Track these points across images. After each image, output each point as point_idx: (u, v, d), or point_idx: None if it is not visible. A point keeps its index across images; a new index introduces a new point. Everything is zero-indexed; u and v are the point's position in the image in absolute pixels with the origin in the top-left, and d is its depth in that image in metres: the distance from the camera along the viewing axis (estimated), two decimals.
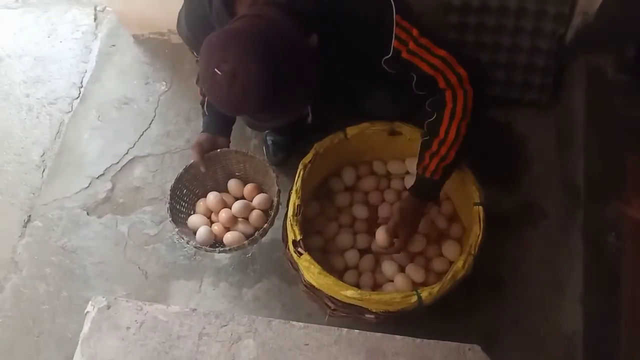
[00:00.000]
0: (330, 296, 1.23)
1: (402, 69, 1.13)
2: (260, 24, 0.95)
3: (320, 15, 1.04)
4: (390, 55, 1.10)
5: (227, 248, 1.35)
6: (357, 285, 1.36)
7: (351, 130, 1.40)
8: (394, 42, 1.08)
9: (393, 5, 1.06)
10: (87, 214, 1.70)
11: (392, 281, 1.36)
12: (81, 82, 1.98)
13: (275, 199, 1.36)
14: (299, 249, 1.23)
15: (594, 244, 1.32)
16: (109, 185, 1.74)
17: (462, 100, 1.15)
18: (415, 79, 1.15)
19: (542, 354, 1.35)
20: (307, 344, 1.03)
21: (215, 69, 0.92)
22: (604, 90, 1.50)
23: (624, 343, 1.21)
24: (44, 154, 1.84)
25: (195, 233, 1.39)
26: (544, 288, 1.44)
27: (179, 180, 1.41)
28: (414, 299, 1.16)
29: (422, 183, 1.24)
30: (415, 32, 1.08)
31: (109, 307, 1.07)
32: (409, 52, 1.10)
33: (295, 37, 0.97)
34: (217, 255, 1.59)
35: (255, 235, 1.34)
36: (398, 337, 1.03)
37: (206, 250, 1.36)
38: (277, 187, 1.37)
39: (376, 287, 1.38)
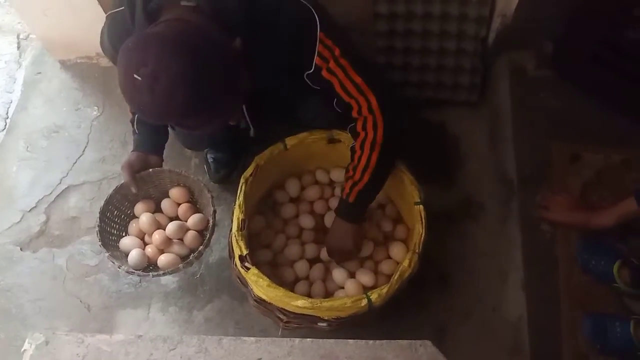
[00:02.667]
0: (282, 308, 1.22)
1: (322, 86, 1.15)
2: (180, 26, 0.92)
3: (249, 24, 1.03)
4: (312, 70, 1.11)
5: (162, 272, 1.30)
6: (309, 295, 1.35)
7: (290, 141, 1.40)
8: (316, 59, 1.10)
9: (317, 22, 1.07)
10: (21, 249, 1.61)
11: (343, 288, 1.36)
12: (7, 113, 1.89)
13: (211, 220, 1.34)
14: (246, 264, 1.21)
15: (530, 233, 1.38)
16: (43, 217, 1.66)
17: (372, 132, 1.18)
18: (335, 100, 1.18)
19: (492, 341, 1.39)
20: (260, 358, 1.01)
21: (135, 75, 0.88)
22: (527, 86, 1.59)
23: (565, 322, 1.26)
24: None
25: (127, 256, 1.34)
26: (489, 278, 1.48)
27: (108, 202, 1.36)
28: (364, 302, 1.17)
29: (341, 204, 1.29)
30: (337, 51, 1.10)
31: (47, 342, 1.01)
32: (328, 71, 1.12)
33: (216, 38, 0.95)
34: (163, 280, 1.55)
35: (191, 257, 1.31)
36: (351, 341, 1.03)
37: (139, 275, 1.32)
38: (212, 208, 1.35)
39: (328, 295, 1.37)
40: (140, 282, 1.55)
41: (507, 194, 1.51)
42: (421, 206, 1.28)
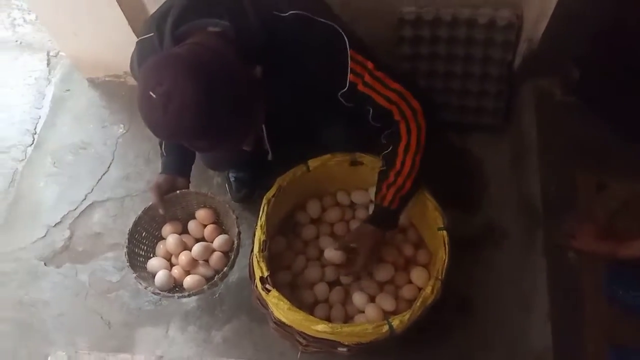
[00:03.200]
0: (302, 332, 1.21)
1: (359, 102, 1.15)
2: (198, 49, 0.94)
3: (273, 49, 1.04)
4: (346, 88, 1.11)
5: (187, 293, 1.31)
6: (328, 319, 1.34)
7: (313, 163, 1.40)
8: (349, 76, 1.10)
9: (346, 41, 1.08)
10: (45, 264, 1.64)
11: (363, 312, 1.35)
12: (35, 129, 1.93)
13: (236, 241, 1.35)
14: (267, 286, 1.21)
15: (555, 261, 1.35)
16: (67, 233, 1.68)
17: (416, 135, 1.18)
18: (371, 112, 1.17)
19: None
20: None
21: (151, 92, 0.90)
22: (552, 112, 1.57)
23: (591, 354, 1.23)
24: None
25: (154, 277, 1.35)
26: (512, 306, 1.45)
27: (137, 223, 1.38)
28: (386, 328, 1.15)
29: (380, 212, 1.27)
30: (370, 65, 1.11)
31: None
32: (364, 85, 1.12)
33: (234, 64, 0.96)
34: (183, 299, 1.55)
35: (215, 279, 1.32)
36: None
37: (164, 296, 1.33)
38: (237, 229, 1.35)
39: (347, 319, 1.36)
40: (160, 299, 1.55)
41: (531, 220, 1.48)
42: (445, 232, 1.27)
